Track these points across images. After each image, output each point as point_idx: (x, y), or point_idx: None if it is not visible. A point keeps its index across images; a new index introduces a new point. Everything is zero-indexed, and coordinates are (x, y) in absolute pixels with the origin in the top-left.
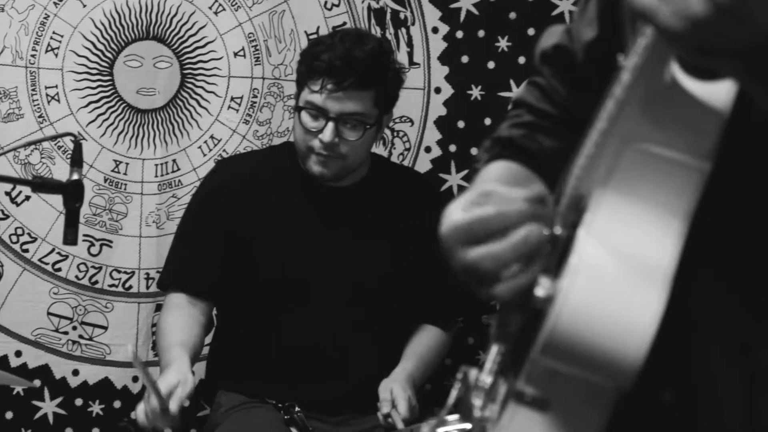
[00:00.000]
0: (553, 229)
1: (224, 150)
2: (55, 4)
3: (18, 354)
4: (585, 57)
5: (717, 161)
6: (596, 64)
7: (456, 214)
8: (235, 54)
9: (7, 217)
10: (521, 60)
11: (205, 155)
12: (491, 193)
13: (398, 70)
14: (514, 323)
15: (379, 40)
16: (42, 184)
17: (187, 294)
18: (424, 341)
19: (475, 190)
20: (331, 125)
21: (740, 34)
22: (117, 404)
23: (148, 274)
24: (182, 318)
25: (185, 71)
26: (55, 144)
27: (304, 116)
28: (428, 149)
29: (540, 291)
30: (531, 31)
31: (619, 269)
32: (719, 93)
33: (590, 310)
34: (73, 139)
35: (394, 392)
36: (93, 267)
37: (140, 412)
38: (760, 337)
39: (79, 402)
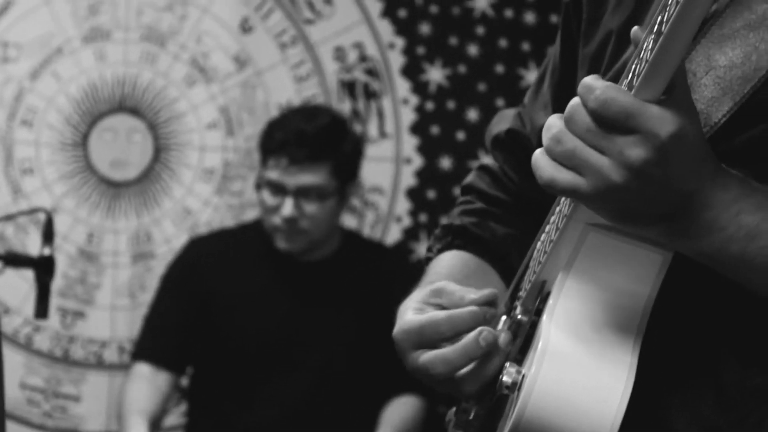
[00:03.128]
0: (516, 316)
1: (197, 222)
2: (30, 78)
3: None
4: (539, 142)
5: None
6: None
7: (408, 316)
8: (208, 126)
9: None
10: None
11: (178, 227)
12: (442, 291)
13: (355, 140)
14: (473, 410)
15: (332, 113)
16: (13, 260)
17: (151, 363)
18: (399, 412)
19: (427, 287)
20: (289, 200)
21: (660, 197)
22: None
23: (121, 345)
24: (144, 388)
25: (159, 143)
26: (29, 217)
27: (265, 194)
28: (399, 219)
29: (507, 378)
30: (500, 103)
31: (584, 356)
32: None
33: (557, 398)
34: (44, 214)
35: None
36: (66, 338)
37: None
38: (730, 429)
39: None
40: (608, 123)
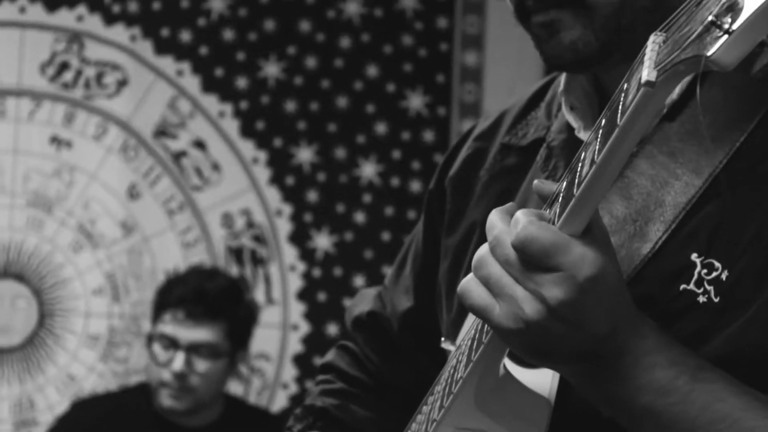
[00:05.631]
0: None
1: (81, 389)
2: None
3: None
4: (400, 326)
5: None
6: (412, 335)
7: None
8: (94, 292)
9: None
10: None
11: (62, 394)
12: None
13: (250, 308)
14: None
15: (232, 278)
16: None
17: None
18: None
19: None
20: (181, 355)
21: (572, 337)
22: None
23: None
24: None
25: (44, 309)
26: None
27: (156, 347)
28: (285, 386)
29: None
30: (387, 270)
31: None
32: (545, 381)
33: None
34: None
35: None
36: None
37: None
38: None
39: None
40: (528, 260)
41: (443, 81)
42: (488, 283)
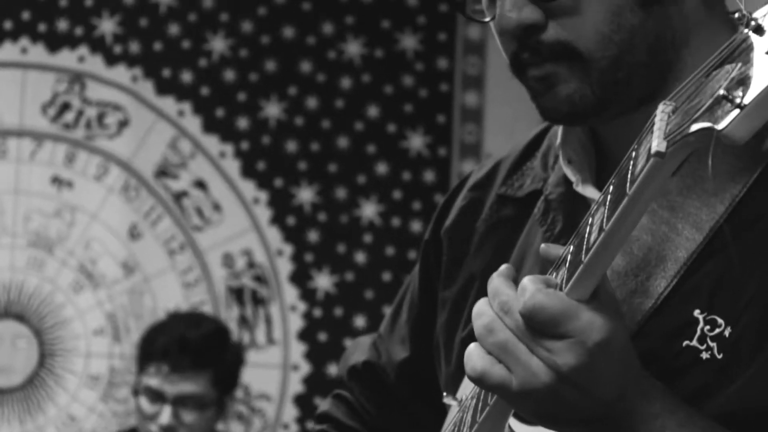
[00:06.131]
0: None
1: (82, 429)
2: None
3: None
4: (396, 376)
5: None
6: (408, 385)
7: None
8: (95, 332)
9: None
10: None
11: None
12: None
13: (237, 351)
14: None
15: (215, 321)
16: None
17: None
18: None
19: None
20: (168, 408)
21: (582, 402)
22: None
23: None
24: None
25: (44, 349)
26: None
27: (142, 401)
28: (286, 426)
29: None
30: (387, 310)
31: None
32: None
33: None
34: None
35: None
36: None
37: None
38: None
39: None
40: (537, 328)
41: (444, 121)
42: (503, 349)
